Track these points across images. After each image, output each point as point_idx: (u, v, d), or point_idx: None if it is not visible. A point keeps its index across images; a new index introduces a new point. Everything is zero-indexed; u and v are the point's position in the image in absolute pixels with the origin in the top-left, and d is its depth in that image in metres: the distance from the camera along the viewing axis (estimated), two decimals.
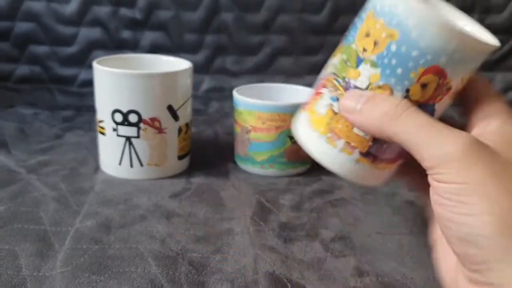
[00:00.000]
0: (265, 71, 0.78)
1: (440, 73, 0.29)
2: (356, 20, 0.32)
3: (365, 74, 0.30)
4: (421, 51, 0.28)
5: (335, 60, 0.32)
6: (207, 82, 0.78)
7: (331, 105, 0.31)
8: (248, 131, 0.50)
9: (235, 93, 0.51)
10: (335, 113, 0.31)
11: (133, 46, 0.75)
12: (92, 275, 0.33)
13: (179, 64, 0.52)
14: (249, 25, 0.75)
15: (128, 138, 0.47)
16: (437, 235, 0.31)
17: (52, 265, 0.34)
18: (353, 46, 0.31)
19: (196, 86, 0.77)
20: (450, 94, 0.30)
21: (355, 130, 0.31)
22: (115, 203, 0.43)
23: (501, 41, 0.80)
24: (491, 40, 0.31)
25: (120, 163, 0.48)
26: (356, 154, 0.31)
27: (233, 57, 0.77)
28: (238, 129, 0.52)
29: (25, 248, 0.35)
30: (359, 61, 0.30)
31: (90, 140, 0.58)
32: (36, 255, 0.35)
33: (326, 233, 0.40)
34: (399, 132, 0.27)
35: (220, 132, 0.65)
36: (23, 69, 0.75)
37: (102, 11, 0.73)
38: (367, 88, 0.30)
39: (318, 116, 0.32)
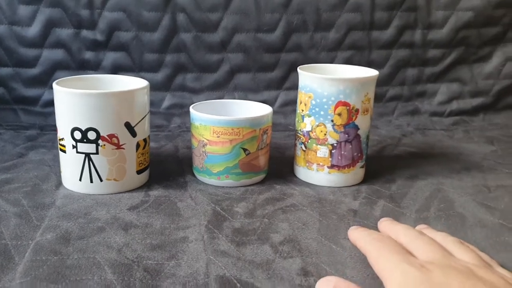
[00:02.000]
0: (224, 88, 0.81)
1: (344, 104, 0.51)
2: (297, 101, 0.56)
3: (308, 123, 0.54)
4: (327, 97, 0.52)
5: (296, 124, 0.57)
6: (169, 99, 0.80)
7: (301, 148, 0.56)
8: (204, 145, 0.53)
9: (191, 109, 0.54)
10: (304, 151, 0.55)
11: (95, 67, 0.77)
12: (50, 284, 0.35)
13: (137, 83, 0.54)
14: (207, 44, 0.79)
15: (87, 155, 0.49)
16: None
17: (12, 277, 0.35)
18: (298, 112, 0.56)
19: (157, 103, 0.79)
20: (360, 112, 0.52)
21: (319, 155, 0.54)
22: (75, 217, 0.45)
23: (442, 54, 0.87)
24: (370, 73, 0.55)
25: (80, 179, 0.50)
26: (326, 169, 0.54)
27: (193, 74, 0.80)
28: (195, 143, 0.54)
29: None
30: (303, 118, 0.55)
31: (53, 157, 0.60)
32: None
33: (276, 236, 0.43)
34: (369, 252, 0.36)
35: (180, 146, 0.68)
36: None
37: (64, 33, 0.75)
38: (312, 130, 0.53)
39: (298, 157, 0.57)
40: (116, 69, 0.78)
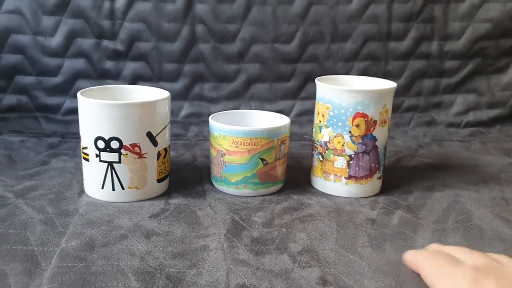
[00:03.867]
0: (241, 97, 0.82)
1: (363, 115, 0.52)
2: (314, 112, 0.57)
3: (326, 133, 0.54)
4: (345, 108, 0.52)
5: (313, 134, 0.57)
6: (186, 108, 0.82)
7: (318, 158, 0.56)
8: (223, 154, 0.54)
9: (210, 120, 0.55)
10: (321, 161, 0.56)
11: (115, 76, 0.79)
12: None
13: (158, 93, 0.56)
14: (225, 55, 0.80)
15: (110, 163, 0.50)
16: None
17: (39, 283, 0.36)
18: (316, 122, 0.56)
19: (176, 112, 0.81)
20: (378, 123, 0.53)
21: (336, 166, 0.54)
22: (98, 224, 0.46)
23: (459, 65, 0.87)
24: (388, 85, 0.55)
25: (102, 187, 0.51)
26: (343, 180, 0.55)
27: (211, 84, 0.81)
28: (214, 153, 0.55)
29: (13, 268, 0.38)
30: (320, 128, 0.55)
31: (75, 165, 0.62)
32: (24, 274, 0.37)
33: (294, 246, 0.44)
34: (425, 273, 0.38)
35: (198, 155, 0.69)
36: (10, 99, 0.78)
37: (86, 43, 0.77)
38: (329, 141, 0.54)
39: (315, 168, 0.57)
40: (136, 79, 0.79)
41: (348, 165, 0.54)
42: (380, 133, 0.54)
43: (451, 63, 0.85)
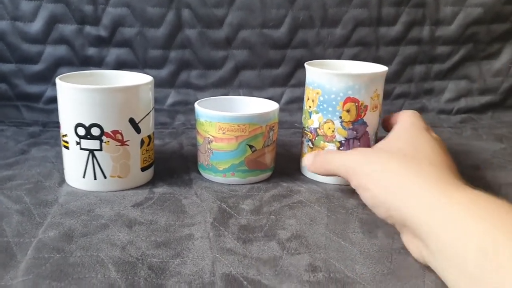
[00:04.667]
0: (229, 85, 0.80)
1: (353, 100, 0.50)
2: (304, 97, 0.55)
3: (315, 119, 0.53)
4: (335, 93, 0.50)
5: (303, 121, 0.55)
6: (173, 96, 0.79)
7: (308, 145, 0.55)
8: (210, 142, 0.52)
9: (196, 105, 0.54)
10: (311, 148, 0.54)
11: (98, 63, 0.76)
12: (53, 282, 0.34)
13: (141, 79, 0.54)
14: (212, 41, 0.78)
15: (91, 151, 0.48)
16: None
17: (14, 275, 0.35)
18: (305, 108, 0.54)
19: (162, 100, 0.79)
20: (369, 109, 0.51)
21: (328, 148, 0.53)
22: (78, 214, 0.44)
23: (451, 51, 0.85)
24: (379, 69, 0.53)
25: (84, 176, 0.49)
26: None
27: (198, 71, 0.79)
28: (200, 140, 0.54)
29: None
30: (310, 114, 0.53)
31: (56, 154, 0.59)
32: None
33: (283, 233, 0.42)
34: (333, 168, 0.46)
35: (185, 143, 0.67)
36: None
37: (67, 29, 0.74)
38: (319, 127, 0.52)
39: (304, 154, 0.54)
40: (120, 66, 0.77)
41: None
42: (371, 119, 0.52)
43: (443, 49, 0.83)
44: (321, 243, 0.41)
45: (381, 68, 0.54)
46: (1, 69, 0.75)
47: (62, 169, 0.52)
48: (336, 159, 0.45)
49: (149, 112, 0.51)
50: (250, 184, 0.53)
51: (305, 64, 0.54)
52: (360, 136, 0.52)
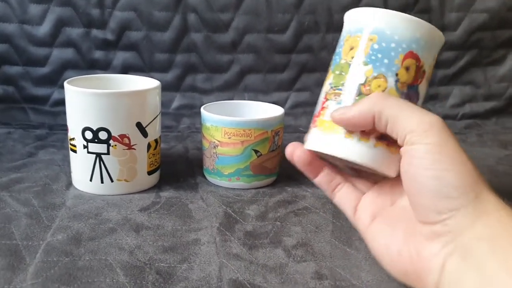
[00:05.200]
0: (234, 89, 0.81)
1: (415, 57, 0.37)
2: (336, 52, 0.40)
3: (362, 73, 0.38)
4: (396, 43, 0.37)
5: (329, 81, 0.40)
6: (178, 100, 0.80)
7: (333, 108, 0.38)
8: (215, 146, 0.52)
9: (202, 110, 0.54)
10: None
11: (105, 66, 0.77)
12: (62, 286, 0.34)
13: (148, 83, 0.54)
14: (217, 45, 0.78)
15: (98, 155, 0.48)
16: (370, 217, 0.38)
17: (23, 278, 0.35)
18: (342, 61, 0.39)
19: (167, 103, 0.79)
20: (425, 77, 0.39)
21: None
22: (86, 218, 0.45)
23: (456, 57, 0.86)
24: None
25: (91, 179, 0.49)
26: (372, 140, 0.37)
27: (203, 75, 0.80)
28: (206, 144, 0.54)
29: None
30: (349, 67, 0.38)
31: (63, 157, 0.60)
32: (7, 269, 0.36)
33: (288, 240, 0.43)
34: (386, 108, 0.34)
35: (190, 147, 0.68)
36: None
37: (75, 32, 0.75)
38: (365, 83, 0.38)
39: (330, 123, 0.38)
40: (126, 69, 0.77)
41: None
42: (423, 90, 0.39)
43: (448, 54, 0.84)
44: (326, 251, 0.41)
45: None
46: (9, 71, 0.75)
47: (69, 172, 0.53)
48: (414, 109, 0.33)
49: (156, 117, 0.51)
50: (255, 188, 0.54)
51: (353, 10, 0.41)
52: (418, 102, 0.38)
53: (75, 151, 0.49)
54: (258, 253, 0.40)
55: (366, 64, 0.38)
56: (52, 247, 0.39)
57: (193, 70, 0.79)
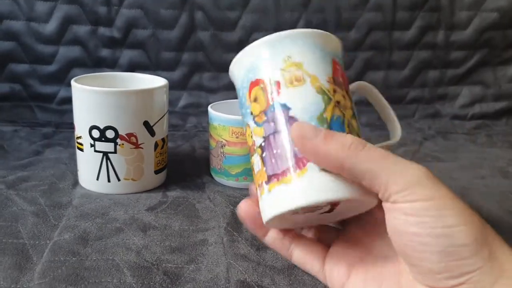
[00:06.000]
0: None
1: (256, 82, 0.32)
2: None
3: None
4: (240, 84, 0.33)
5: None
6: (185, 99, 0.79)
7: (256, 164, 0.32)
8: (222, 145, 0.52)
9: (210, 109, 0.53)
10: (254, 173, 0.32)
11: (111, 64, 0.76)
12: (69, 286, 0.34)
13: (156, 81, 0.54)
14: (225, 43, 0.78)
15: (105, 154, 0.48)
16: (346, 272, 0.32)
17: (30, 277, 0.35)
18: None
19: (174, 102, 0.79)
20: (283, 84, 0.31)
21: (256, 170, 0.32)
22: (93, 217, 0.44)
23: (465, 56, 0.85)
24: (286, 31, 0.32)
25: (97, 178, 0.49)
26: (265, 187, 0.31)
27: (210, 74, 0.79)
28: (213, 144, 0.53)
29: (3, 262, 0.36)
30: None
31: (69, 156, 0.60)
32: (14, 268, 0.36)
33: None
34: (363, 162, 0.27)
35: (197, 146, 0.67)
36: (3, 87, 0.76)
37: (81, 30, 0.75)
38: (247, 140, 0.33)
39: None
40: (133, 67, 0.77)
41: (263, 161, 0.31)
42: (296, 96, 0.30)
43: (457, 54, 0.83)
44: None
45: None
46: (15, 69, 0.75)
47: (76, 170, 0.52)
48: (393, 162, 0.27)
49: (164, 115, 0.51)
50: None
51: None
52: (281, 126, 0.30)
53: (82, 150, 0.49)
54: (266, 254, 0.40)
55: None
56: (59, 246, 0.39)
57: (200, 69, 0.79)
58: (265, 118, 0.31)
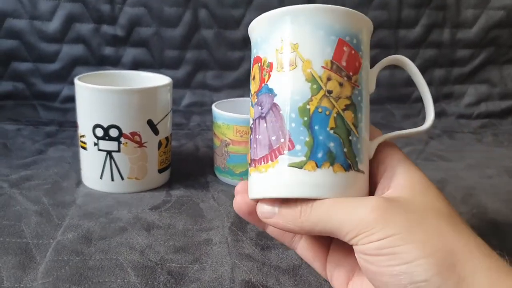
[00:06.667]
0: (245, 86, 0.80)
1: (256, 60, 0.31)
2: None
3: None
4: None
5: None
6: (188, 97, 0.79)
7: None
8: (227, 144, 0.52)
9: (214, 108, 0.53)
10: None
11: (115, 63, 0.76)
12: (73, 286, 0.33)
13: (159, 79, 0.53)
14: (228, 41, 0.77)
15: (109, 152, 0.48)
16: (348, 272, 0.32)
17: (34, 277, 0.34)
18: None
19: (177, 100, 0.78)
20: (275, 67, 0.29)
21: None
22: (96, 216, 0.44)
23: (471, 55, 0.84)
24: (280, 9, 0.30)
25: (101, 177, 0.49)
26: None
27: (214, 72, 0.79)
28: (217, 143, 0.53)
29: (6, 261, 0.36)
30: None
31: (73, 154, 0.59)
32: (17, 268, 0.35)
33: None
34: (316, 222, 0.27)
35: (200, 145, 0.67)
36: (6, 86, 0.76)
37: (85, 28, 0.74)
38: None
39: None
40: (136, 65, 0.77)
41: (250, 143, 0.31)
42: (283, 83, 0.28)
43: (463, 52, 0.82)
44: None
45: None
46: (19, 68, 0.75)
47: (79, 169, 0.52)
48: (341, 211, 0.27)
49: (167, 114, 0.51)
50: None
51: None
52: (265, 113, 0.29)
53: (85, 149, 0.49)
54: (271, 254, 0.39)
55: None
56: (62, 246, 0.38)
57: (203, 67, 0.78)
58: (256, 100, 0.30)
